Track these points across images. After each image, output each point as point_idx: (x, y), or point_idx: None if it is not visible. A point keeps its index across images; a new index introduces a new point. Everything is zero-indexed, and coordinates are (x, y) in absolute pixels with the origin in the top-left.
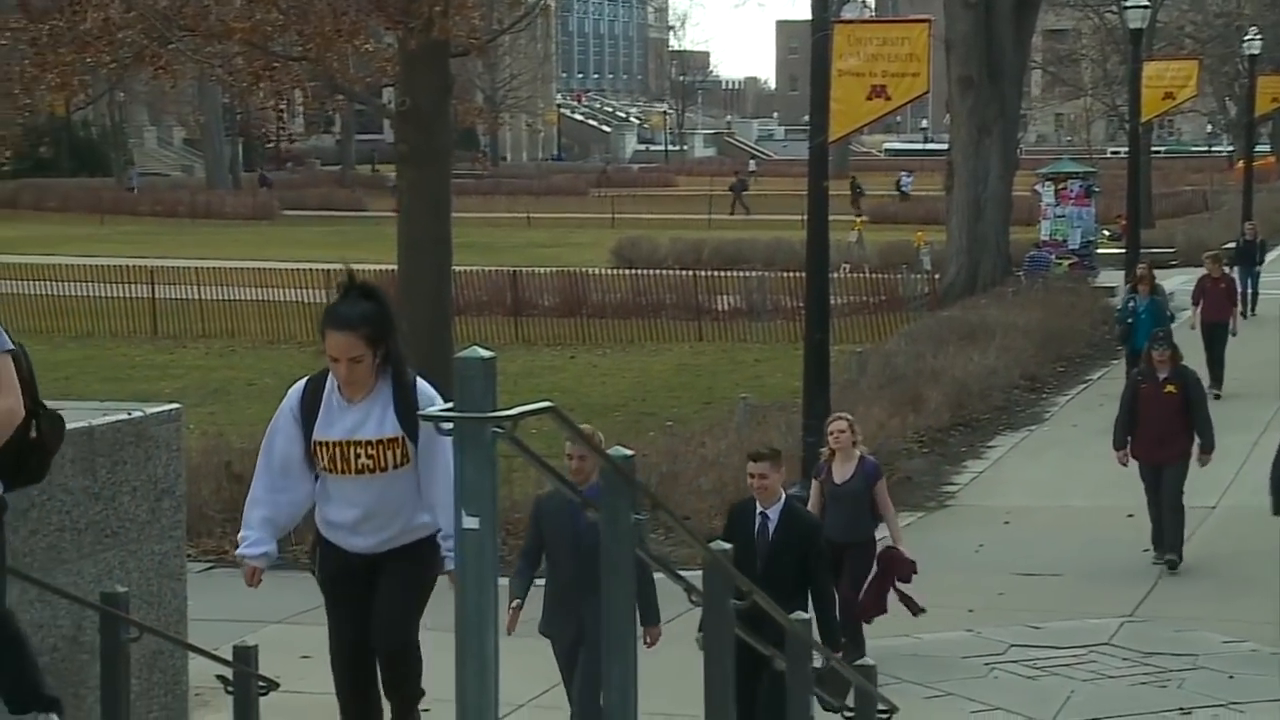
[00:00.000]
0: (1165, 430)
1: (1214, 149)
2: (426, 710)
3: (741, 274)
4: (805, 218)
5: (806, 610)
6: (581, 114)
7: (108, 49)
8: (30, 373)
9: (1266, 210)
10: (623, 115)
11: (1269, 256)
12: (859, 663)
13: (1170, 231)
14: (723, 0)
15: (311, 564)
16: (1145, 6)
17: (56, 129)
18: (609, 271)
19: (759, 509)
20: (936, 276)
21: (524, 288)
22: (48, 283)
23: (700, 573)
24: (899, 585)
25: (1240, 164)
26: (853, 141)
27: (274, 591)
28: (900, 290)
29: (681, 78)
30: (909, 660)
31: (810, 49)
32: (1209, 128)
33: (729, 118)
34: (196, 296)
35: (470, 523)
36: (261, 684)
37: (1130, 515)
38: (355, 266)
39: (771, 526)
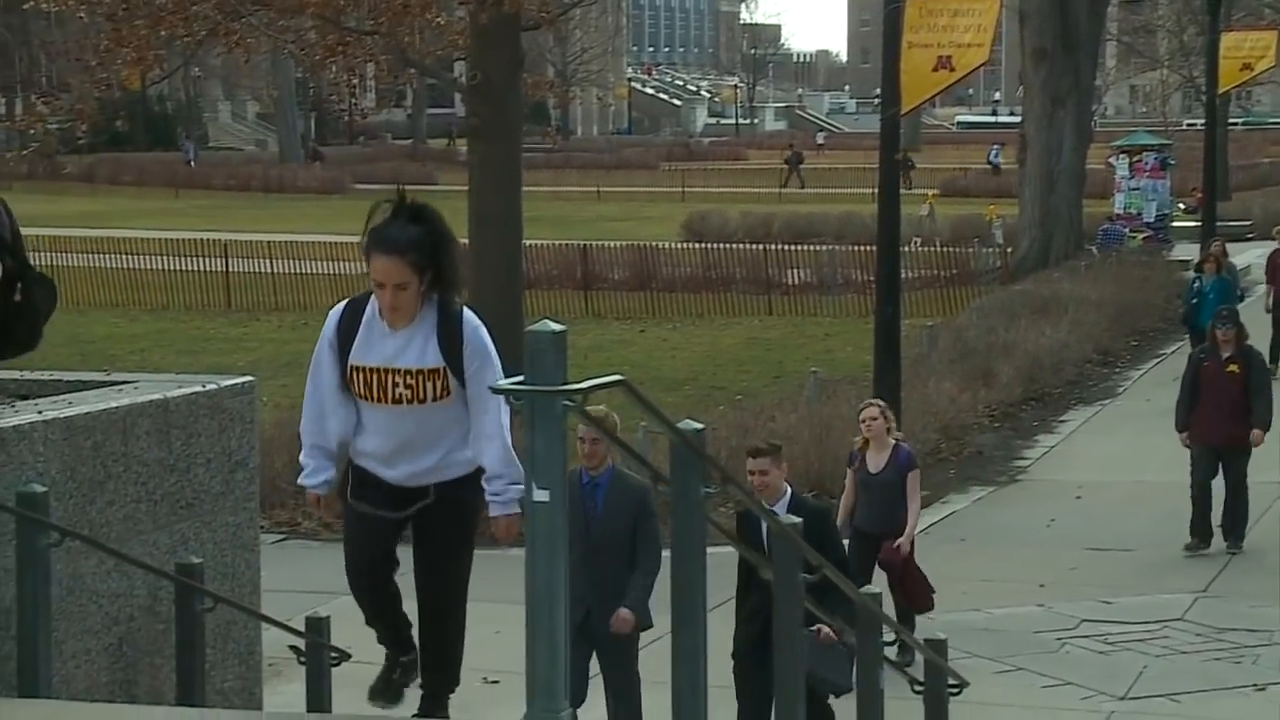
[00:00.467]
0: (1227, 411)
1: None
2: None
3: (812, 247)
4: (876, 191)
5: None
6: (652, 88)
7: (182, 23)
8: (15, 231)
9: None
10: (693, 89)
11: None
12: (930, 637)
13: (1247, 204)
14: None
15: (340, 491)
16: None
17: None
18: (679, 245)
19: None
20: (1009, 250)
21: (594, 261)
22: (123, 256)
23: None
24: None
25: None
26: (925, 114)
27: None
28: (972, 264)
29: (752, 51)
30: (980, 635)
31: (882, 21)
32: None
33: (800, 91)
34: (269, 270)
35: (540, 495)
36: (334, 655)
37: None
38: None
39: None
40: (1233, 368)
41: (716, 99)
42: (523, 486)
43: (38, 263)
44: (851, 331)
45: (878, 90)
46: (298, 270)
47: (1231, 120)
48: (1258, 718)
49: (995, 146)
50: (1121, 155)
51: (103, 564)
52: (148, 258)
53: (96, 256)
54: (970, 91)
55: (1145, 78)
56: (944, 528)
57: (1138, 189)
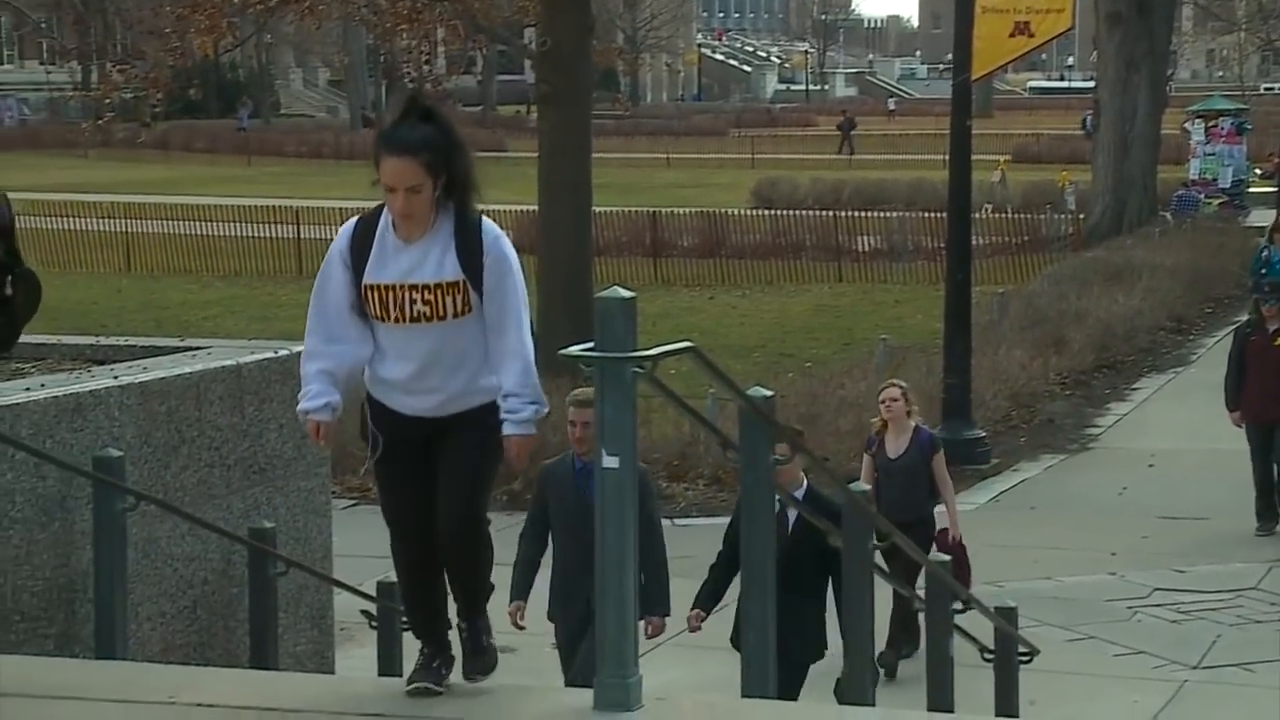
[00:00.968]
0: (1274, 388)
1: None
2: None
3: (882, 214)
4: (947, 157)
5: (818, 612)
6: (722, 54)
7: None
8: (11, 222)
9: None
10: (763, 55)
11: None
12: (1001, 605)
13: None
14: None
15: (363, 436)
16: None
17: (205, 71)
18: (748, 212)
19: (777, 500)
20: (1081, 216)
21: (663, 228)
22: (196, 223)
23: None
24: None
25: None
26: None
27: None
28: (1044, 231)
29: (823, 16)
30: (1050, 603)
31: None
32: None
33: (870, 57)
34: None
35: (610, 462)
36: (405, 619)
37: None
38: (490, 209)
39: (791, 517)
40: None
41: (786, 65)
42: (540, 407)
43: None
44: (921, 299)
45: (949, 56)
46: None
47: None
48: None
49: (1089, 113)
50: (1197, 120)
51: (177, 528)
52: (220, 225)
53: (170, 223)
54: (1043, 57)
55: (1222, 41)
56: (1014, 496)
57: (1213, 154)
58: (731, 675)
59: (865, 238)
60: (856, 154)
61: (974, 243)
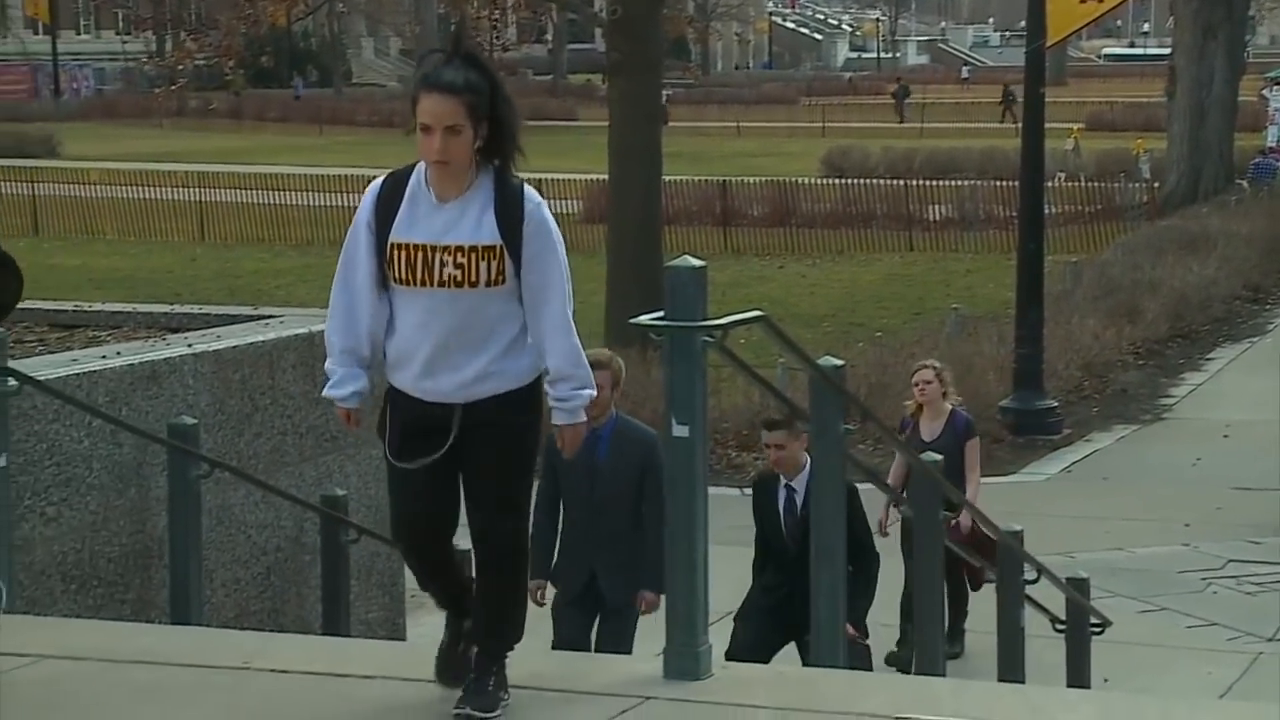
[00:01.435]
0: None
1: None
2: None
3: (954, 183)
4: (1019, 125)
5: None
6: (793, 22)
7: None
8: None
9: None
10: (834, 23)
11: None
12: (1072, 576)
13: None
14: None
15: (380, 433)
16: None
17: (277, 40)
18: (819, 181)
19: (782, 482)
20: (1156, 185)
21: (733, 197)
22: (269, 192)
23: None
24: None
25: None
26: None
27: None
28: (1117, 199)
29: None
30: (1123, 574)
31: None
32: None
33: (943, 24)
34: None
35: (679, 431)
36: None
37: None
38: (559, 178)
39: (799, 500)
40: None
41: (858, 33)
42: (591, 391)
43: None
44: (993, 268)
45: (1022, 23)
46: None
47: None
48: None
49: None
50: (1275, 87)
51: (250, 495)
52: (292, 194)
53: (243, 193)
54: (1118, 23)
55: None
56: (1087, 466)
57: None
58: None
59: (936, 206)
60: (907, 121)
61: (1047, 211)
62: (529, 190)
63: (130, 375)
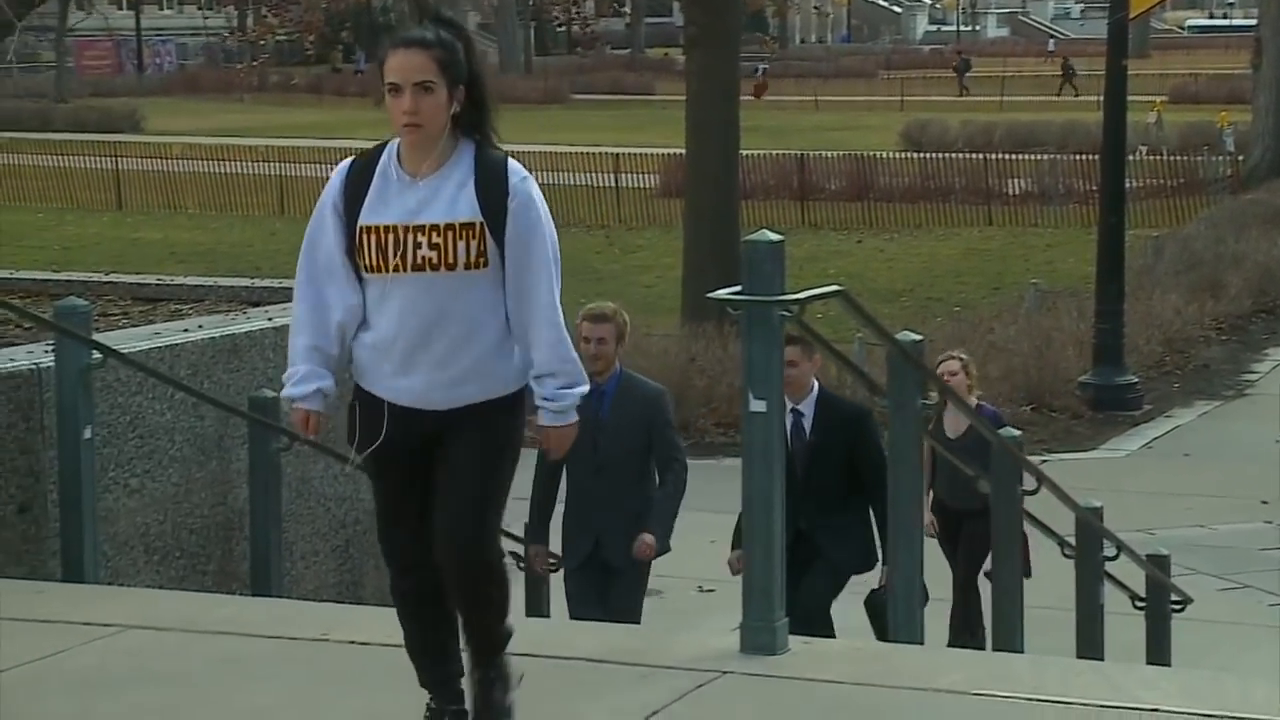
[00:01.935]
0: None
1: None
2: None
3: (1034, 157)
4: (1101, 98)
5: (860, 521)
6: None
7: None
8: None
9: None
10: None
11: None
12: (1152, 553)
13: None
14: None
15: (349, 440)
16: None
17: (357, 15)
18: (897, 155)
19: (789, 405)
20: (1240, 158)
21: (811, 171)
22: None
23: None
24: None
25: None
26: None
27: None
28: (1200, 173)
29: None
30: (1204, 551)
31: None
32: None
33: None
34: None
35: (757, 405)
36: (551, 560)
37: None
38: (637, 152)
39: (807, 424)
40: None
41: (937, 6)
42: (582, 387)
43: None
44: (1073, 242)
45: None
46: None
47: None
48: None
49: None
50: None
51: (330, 469)
52: None
53: (323, 167)
54: None
55: None
56: (1167, 442)
57: None
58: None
59: (1016, 180)
60: (970, 94)
61: (1128, 185)
62: (514, 163)
63: (212, 348)
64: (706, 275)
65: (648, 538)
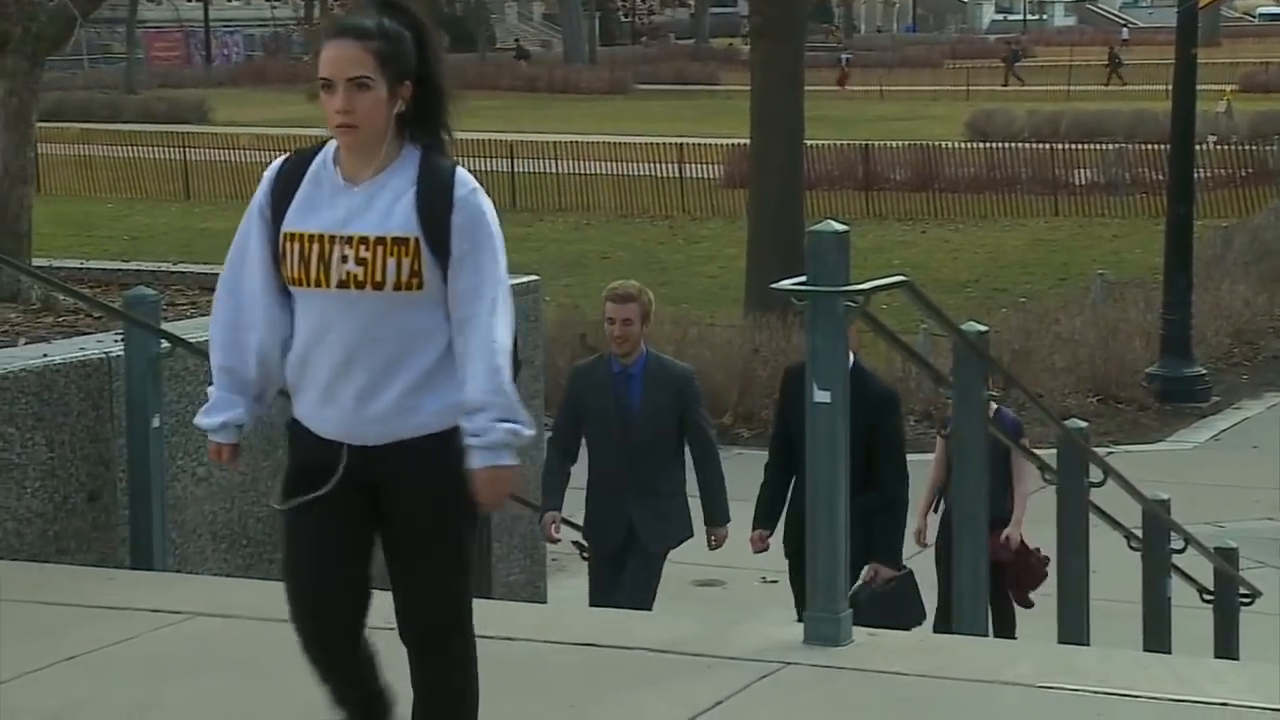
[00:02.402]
0: None
1: None
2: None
3: (1101, 146)
4: (1170, 87)
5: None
6: None
7: None
8: None
9: None
10: None
11: None
12: (1221, 546)
13: None
14: None
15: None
16: None
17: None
18: (963, 144)
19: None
20: None
21: (875, 162)
22: None
23: (1054, 451)
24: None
25: None
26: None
27: None
28: (1270, 162)
29: None
30: (1272, 544)
31: None
32: None
33: None
34: (553, 170)
35: (822, 396)
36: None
37: None
38: (701, 142)
39: None
40: None
41: None
42: (517, 426)
43: None
44: (1141, 233)
45: None
46: (581, 170)
47: None
48: None
49: None
50: None
51: None
52: None
53: None
54: None
55: None
56: (1236, 434)
57: None
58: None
59: (1083, 170)
60: (1008, 85)
61: (1197, 175)
62: (462, 173)
63: None
64: (770, 266)
65: (719, 531)
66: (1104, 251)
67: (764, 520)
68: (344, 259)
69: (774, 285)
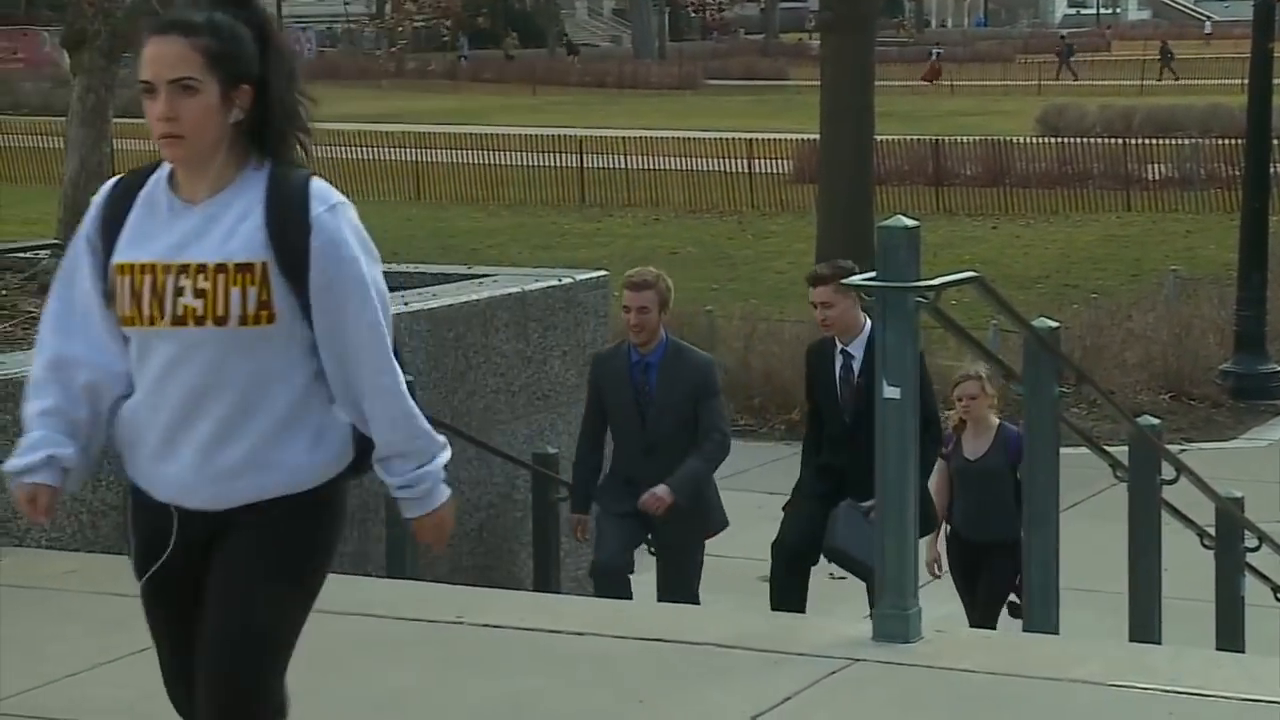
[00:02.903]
0: None
1: None
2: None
3: (1174, 141)
4: (1246, 81)
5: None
6: None
7: None
8: None
9: None
10: None
11: None
12: None
13: None
14: None
15: (125, 537)
16: None
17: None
18: (1034, 140)
19: (839, 346)
20: None
21: (946, 157)
22: (483, 152)
23: (1126, 448)
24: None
25: None
26: None
27: None
28: None
29: None
30: None
31: None
32: None
33: None
34: (622, 166)
35: (891, 393)
36: None
37: None
38: (770, 138)
39: (857, 365)
40: None
41: None
42: (443, 458)
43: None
44: (1215, 228)
45: None
46: (650, 166)
47: None
48: None
49: None
50: None
51: (464, 452)
52: (506, 154)
53: (458, 153)
54: None
55: None
56: None
57: None
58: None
59: (1156, 165)
60: (1060, 80)
61: (1273, 170)
62: (320, 186)
63: None
64: None
65: (660, 489)
66: (1177, 247)
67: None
68: (180, 291)
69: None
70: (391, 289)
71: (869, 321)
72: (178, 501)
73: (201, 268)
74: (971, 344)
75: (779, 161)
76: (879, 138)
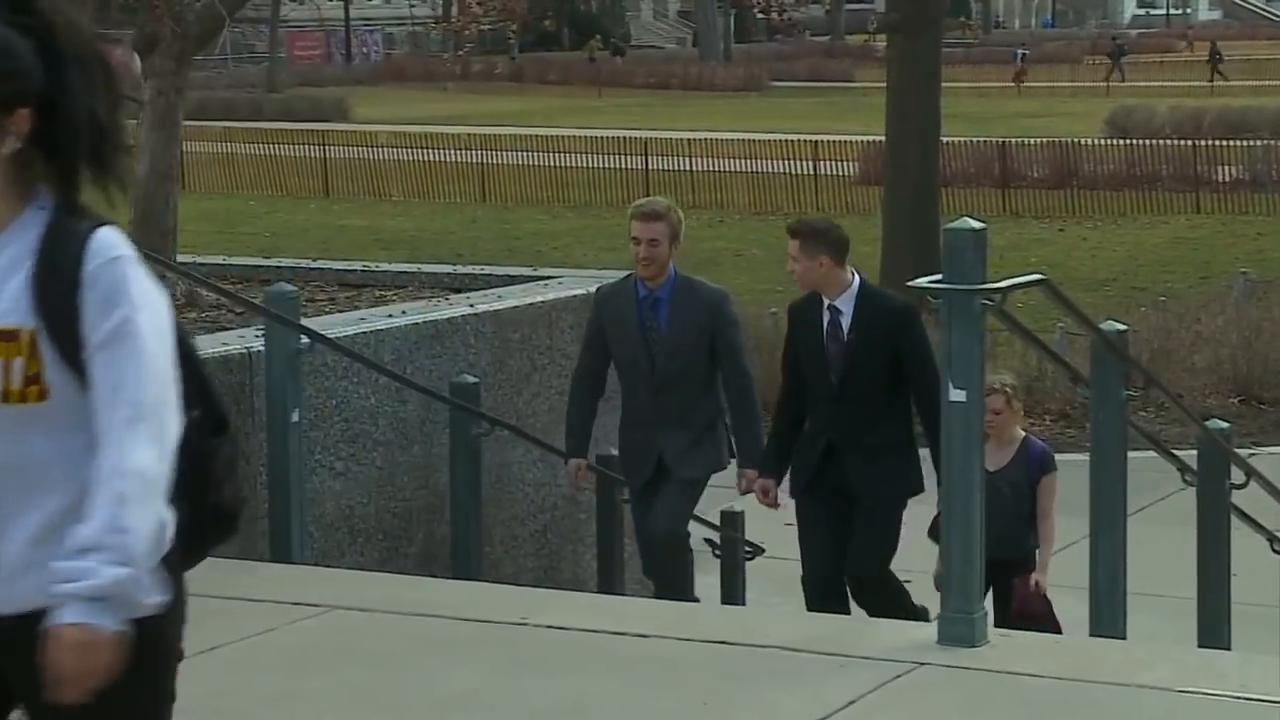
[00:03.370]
0: None
1: None
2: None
3: (1245, 143)
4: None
5: (903, 429)
6: None
7: None
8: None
9: None
10: None
11: None
12: None
13: None
14: None
15: None
16: None
17: (559, 3)
18: (1102, 141)
19: (825, 301)
20: None
21: (1012, 159)
22: (548, 154)
23: (1194, 452)
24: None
25: None
26: None
27: None
28: None
29: None
30: None
31: None
32: None
33: None
34: (687, 168)
35: (957, 395)
36: (748, 549)
37: None
38: (834, 138)
39: (845, 321)
40: None
41: None
42: (125, 573)
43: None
44: None
45: None
46: (715, 168)
47: None
48: None
49: None
50: None
51: (529, 454)
52: (571, 155)
53: (523, 154)
54: None
55: None
56: None
57: None
58: (1076, 613)
59: (1226, 167)
60: (1111, 81)
61: None
62: (104, 236)
63: (415, 334)
64: (905, 264)
65: (751, 473)
66: (1247, 249)
67: (770, 465)
68: None
69: (910, 283)
70: (457, 290)
71: (858, 277)
72: None
73: None
74: (1038, 347)
75: (844, 164)
76: (945, 139)
